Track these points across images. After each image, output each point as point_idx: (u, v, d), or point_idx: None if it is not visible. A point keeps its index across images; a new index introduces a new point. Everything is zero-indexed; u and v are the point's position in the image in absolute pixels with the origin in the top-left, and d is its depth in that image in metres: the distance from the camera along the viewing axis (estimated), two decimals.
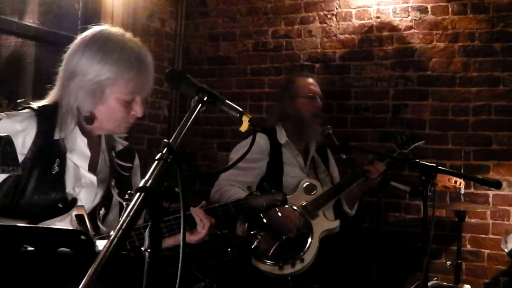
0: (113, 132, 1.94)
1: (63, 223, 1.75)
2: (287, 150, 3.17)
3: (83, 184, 1.83)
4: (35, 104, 1.82)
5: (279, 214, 2.75)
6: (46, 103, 1.84)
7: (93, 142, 1.91)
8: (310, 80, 3.27)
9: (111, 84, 1.78)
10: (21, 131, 1.74)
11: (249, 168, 3.02)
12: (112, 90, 1.78)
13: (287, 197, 2.39)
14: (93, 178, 1.86)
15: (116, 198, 1.90)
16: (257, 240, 2.86)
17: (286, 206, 2.79)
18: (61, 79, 1.84)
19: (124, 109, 1.82)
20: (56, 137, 1.79)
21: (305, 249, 2.94)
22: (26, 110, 1.81)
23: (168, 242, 1.88)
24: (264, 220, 2.84)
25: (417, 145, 3.21)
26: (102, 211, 1.86)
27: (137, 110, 1.84)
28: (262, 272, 2.85)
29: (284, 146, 3.16)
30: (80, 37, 1.85)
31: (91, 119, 1.83)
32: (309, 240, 2.96)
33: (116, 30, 1.88)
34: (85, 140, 1.85)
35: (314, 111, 3.16)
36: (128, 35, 1.87)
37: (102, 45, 1.79)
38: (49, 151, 1.77)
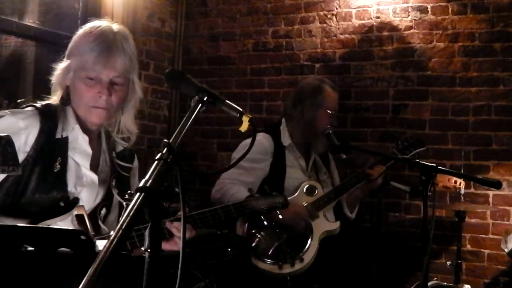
0: (89, 121, 1.89)
1: (64, 222, 1.75)
2: (290, 152, 3.15)
3: (84, 183, 1.84)
4: (38, 103, 1.84)
5: (280, 216, 2.72)
6: (49, 102, 1.86)
7: (94, 142, 1.92)
8: (336, 96, 3.23)
9: (75, 59, 1.81)
10: (24, 129, 1.75)
11: (252, 168, 3.01)
12: (77, 66, 1.80)
13: (288, 198, 2.39)
14: (94, 177, 1.86)
15: (116, 198, 1.90)
16: (257, 240, 2.86)
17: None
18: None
19: (87, 88, 1.80)
20: (58, 135, 1.80)
21: (305, 249, 2.93)
22: (30, 108, 1.82)
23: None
24: (265, 223, 2.82)
25: (418, 151, 3.21)
26: (103, 211, 1.87)
27: (100, 91, 1.80)
28: (261, 271, 2.85)
29: (287, 148, 3.15)
30: None
31: (66, 100, 1.85)
32: (309, 240, 2.96)
33: (96, 23, 1.90)
34: (86, 138, 1.86)
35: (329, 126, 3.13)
36: (107, 24, 1.89)
37: (80, 31, 1.87)
38: (51, 149, 1.78)
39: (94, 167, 1.89)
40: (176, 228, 1.79)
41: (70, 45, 1.87)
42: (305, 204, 3.01)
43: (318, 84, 3.24)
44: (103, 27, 1.85)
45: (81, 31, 1.87)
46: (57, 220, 1.74)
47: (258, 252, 2.86)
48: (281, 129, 3.19)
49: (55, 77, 1.85)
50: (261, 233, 2.88)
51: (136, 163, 2.08)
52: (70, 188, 1.79)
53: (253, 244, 2.83)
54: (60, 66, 1.84)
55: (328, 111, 3.14)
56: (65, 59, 1.86)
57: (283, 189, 3.01)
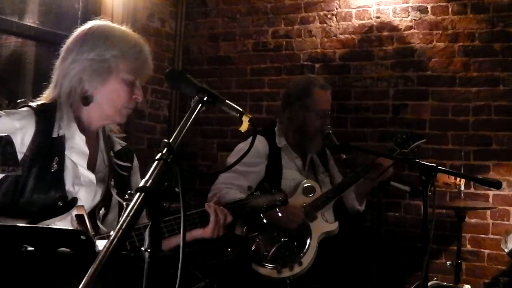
0: (113, 120, 1.92)
1: (63, 222, 1.74)
2: (285, 153, 3.13)
3: (82, 182, 1.83)
4: (33, 103, 1.83)
5: (279, 214, 2.71)
6: (44, 102, 1.85)
7: (92, 141, 1.91)
8: (327, 95, 3.15)
9: (117, 61, 1.81)
10: (19, 129, 1.74)
11: (247, 172, 2.98)
12: (118, 69, 1.81)
13: None
14: (91, 176, 1.86)
15: (115, 198, 1.90)
16: (255, 244, 2.85)
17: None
18: (61, 69, 1.85)
19: (127, 90, 1.84)
20: (55, 135, 1.80)
21: (304, 252, 2.92)
22: (25, 109, 1.82)
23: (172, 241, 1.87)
24: (264, 220, 2.81)
25: (417, 144, 3.20)
26: (101, 211, 1.86)
27: (138, 94, 1.87)
28: (260, 276, 2.84)
29: (282, 149, 3.12)
30: (78, 30, 1.89)
31: (89, 100, 1.83)
32: (308, 242, 2.94)
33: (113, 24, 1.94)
34: (83, 137, 1.85)
35: (321, 128, 3.09)
36: (130, 30, 1.94)
37: (104, 32, 1.86)
38: (48, 149, 1.77)
39: (91, 166, 1.89)
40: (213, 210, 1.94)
41: (104, 47, 1.82)
42: (303, 205, 3.00)
43: (306, 86, 3.15)
44: (136, 35, 1.90)
45: (118, 33, 1.87)
46: (56, 220, 1.73)
47: (256, 256, 2.85)
48: (275, 130, 3.17)
49: (91, 72, 1.81)
50: (259, 237, 2.88)
51: (136, 162, 2.07)
52: (68, 187, 1.79)
53: (252, 249, 2.82)
54: (93, 66, 1.81)
55: (317, 116, 3.09)
56: (96, 58, 1.81)
57: None
